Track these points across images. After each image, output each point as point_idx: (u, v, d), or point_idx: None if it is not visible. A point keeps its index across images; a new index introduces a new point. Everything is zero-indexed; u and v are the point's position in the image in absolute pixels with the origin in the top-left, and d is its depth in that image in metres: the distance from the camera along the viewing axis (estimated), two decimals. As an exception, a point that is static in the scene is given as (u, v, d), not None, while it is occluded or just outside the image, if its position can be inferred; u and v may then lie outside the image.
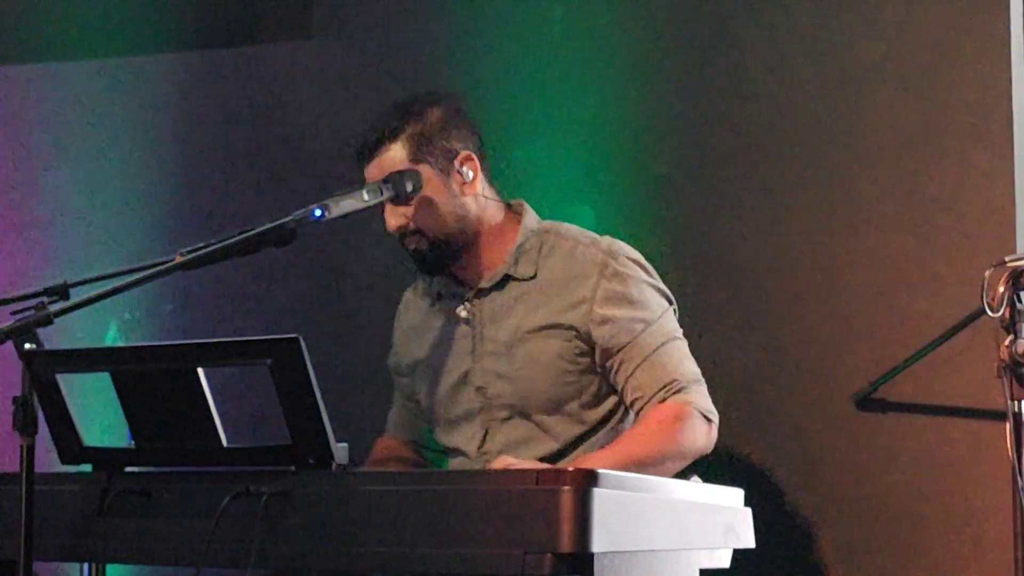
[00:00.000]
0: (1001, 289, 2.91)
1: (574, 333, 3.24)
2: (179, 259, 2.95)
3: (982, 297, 2.91)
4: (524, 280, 3.30)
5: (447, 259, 3.30)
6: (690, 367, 3.26)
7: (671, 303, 3.32)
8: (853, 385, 3.62)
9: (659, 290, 3.30)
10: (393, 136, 3.25)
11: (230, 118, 4.36)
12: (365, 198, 3.13)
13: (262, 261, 3.27)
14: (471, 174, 3.28)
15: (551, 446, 3.26)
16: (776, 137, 3.77)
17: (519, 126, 3.96)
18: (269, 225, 2.99)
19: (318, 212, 3.04)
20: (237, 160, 4.36)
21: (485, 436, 3.31)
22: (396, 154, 3.24)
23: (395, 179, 3.19)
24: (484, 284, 3.33)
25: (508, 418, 3.29)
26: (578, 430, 3.28)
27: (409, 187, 3.21)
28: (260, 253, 3.02)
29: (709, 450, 3.24)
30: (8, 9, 4.57)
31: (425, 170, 3.24)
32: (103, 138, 4.49)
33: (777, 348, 3.73)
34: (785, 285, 3.75)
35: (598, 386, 3.28)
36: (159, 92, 4.45)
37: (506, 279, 3.31)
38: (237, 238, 2.96)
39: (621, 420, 3.31)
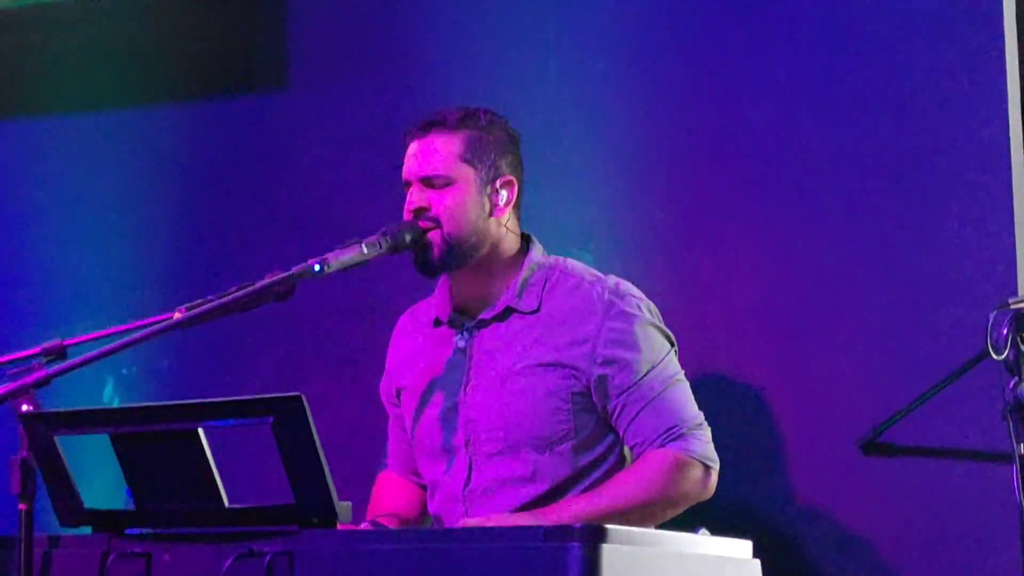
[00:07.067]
0: (1005, 331, 2.89)
1: (573, 372, 3.21)
2: (178, 316, 2.93)
3: (986, 339, 2.90)
4: (526, 314, 3.27)
5: (450, 262, 3.24)
6: (692, 411, 3.25)
7: (673, 344, 3.31)
8: (858, 430, 3.60)
9: (662, 331, 3.29)
10: (455, 127, 3.26)
11: (227, 171, 4.35)
12: (364, 252, 3.11)
13: (260, 315, 3.24)
14: (505, 198, 3.28)
15: (539, 488, 3.21)
16: (775, 182, 3.76)
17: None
18: (269, 281, 2.98)
19: (317, 267, 3.03)
20: (233, 213, 4.33)
21: (470, 472, 3.26)
22: (451, 143, 3.25)
23: (395, 231, 3.17)
24: (485, 315, 3.29)
25: (495, 454, 3.24)
26: (569, 472, 3.23)
27: (408, 239, 3.19)
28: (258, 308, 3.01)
29: (706, 497, 3.24)
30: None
31: (468, 173, 3.24)
32: (96, 193, 4.47)
33: (779, 395, 3.71)
34: (786, 329, 3.73)
35: (592, 428, 3.24)
36: (155, 145, 4.42)
37: (508, 311, 3.28)
38: (236, 294, 2.95)
39: (616, 466, 3.27)
